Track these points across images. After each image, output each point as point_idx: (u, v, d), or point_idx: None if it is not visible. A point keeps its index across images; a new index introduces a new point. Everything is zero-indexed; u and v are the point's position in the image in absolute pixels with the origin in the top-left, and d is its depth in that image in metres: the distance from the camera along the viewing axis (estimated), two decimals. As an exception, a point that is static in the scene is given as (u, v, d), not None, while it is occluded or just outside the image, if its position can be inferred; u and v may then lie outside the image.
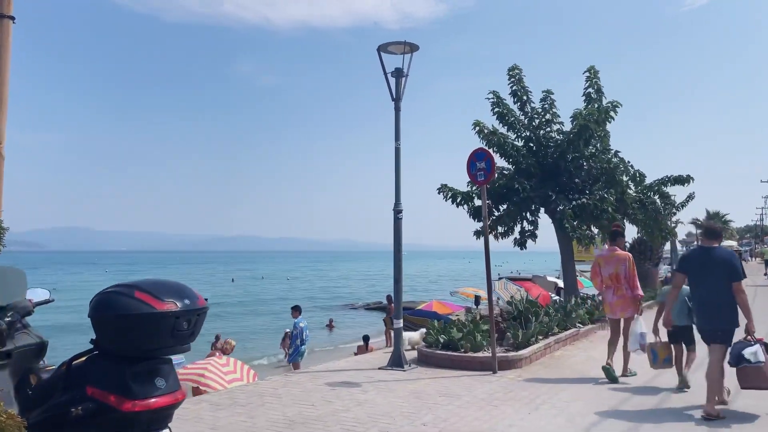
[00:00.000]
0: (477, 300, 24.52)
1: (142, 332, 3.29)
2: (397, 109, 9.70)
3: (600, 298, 10.42)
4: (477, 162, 9.09)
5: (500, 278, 22.64)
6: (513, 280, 22.38)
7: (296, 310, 14.58)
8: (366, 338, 16.90)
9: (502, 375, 8.69)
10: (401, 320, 9.50)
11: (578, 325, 12.27)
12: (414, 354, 10.15)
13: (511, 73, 15.71)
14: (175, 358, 8.50)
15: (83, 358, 3.58)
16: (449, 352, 9.46)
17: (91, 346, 3.47)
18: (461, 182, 14.78)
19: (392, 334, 20.49)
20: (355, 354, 16.44)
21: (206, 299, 3.61)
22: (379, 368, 9.29)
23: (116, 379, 3.29)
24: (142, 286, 3.37)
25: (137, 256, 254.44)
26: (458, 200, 14.66)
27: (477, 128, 15.06)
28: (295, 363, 14.28)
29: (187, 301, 3.39)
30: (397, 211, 9.57)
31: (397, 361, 9.30)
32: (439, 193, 14.87)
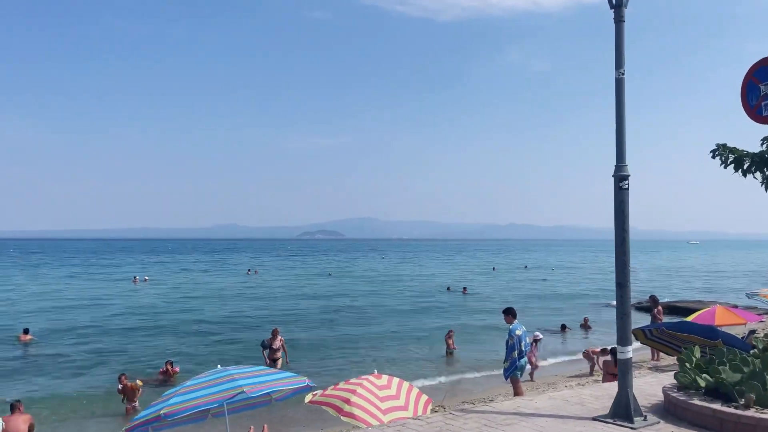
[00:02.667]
0: (788, 306, 18.19)
1: None
2: (619, 20, 6.30)
3: None
4: (760, 83, 5.21)
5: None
6: None
7: (509, 314, 11.68)
8: (614, 351, 13.14)
9: (821, 462, 4.81)
10: (629, 348, 6.12)
11: None
12: (656, 396, 6.64)
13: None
14: (297, 381, 6.64)
15: None
16: (716, 405, 5.78)
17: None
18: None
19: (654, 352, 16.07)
20: (602, 375, 12.90)
21: None
22: (595, 418, 6.11)
23: None
24: None
25: (417, 245, 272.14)
26: (745, 165, 10.02)
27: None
28: (513, 378, 11.48)
29: None
30: (620, 178, 6.20)
31: (623, 411, 6.00)
32: (714, 156, 10.39)
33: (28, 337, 21.27)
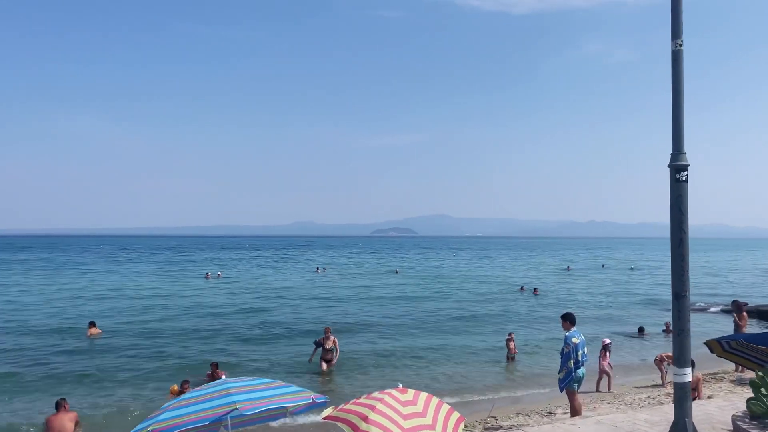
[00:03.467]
0: None
1: None
2: (676, -20, 5.33)
3: None
4: None
5: None
6: None
7: (566, 320, 10.66)
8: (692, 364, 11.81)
9: None
10: (687, 370, 5.15)
11: None
12: (725, 424, 5.60)
13: None
14: (301, 397, 6.04)
15: None
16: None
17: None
18: None
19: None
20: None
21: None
22: (645, 451, 5.18)
23: None
24: None
25: (492, 242, 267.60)
26: None
27: None
28: (569, 391, 10.49)
29: None
30: (678, 168, 5.24)
31: (679, 444, 5.04)
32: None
33: (96, 330, 21.93)
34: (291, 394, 5.78)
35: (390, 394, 6.60)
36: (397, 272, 60.18)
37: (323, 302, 34.57)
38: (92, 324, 22.25)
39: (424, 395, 6.85)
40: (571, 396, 10.58)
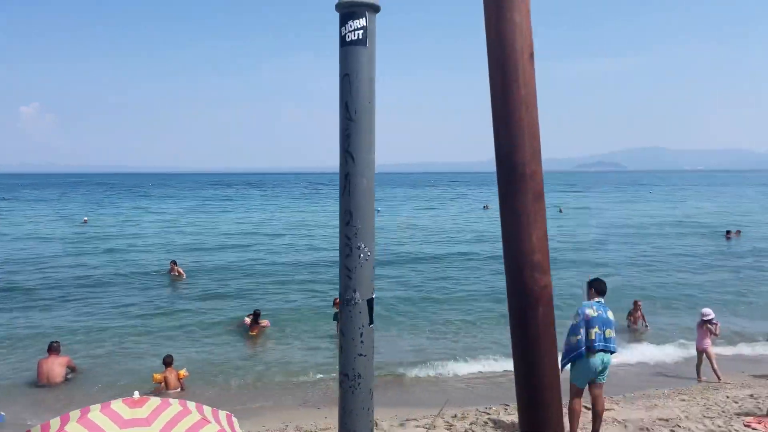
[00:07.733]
0: None
1: None
2: None
3: None
4: None
5: None
6: None
7: (592, 287, 7.39)
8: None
9: None
10: None
11: None
12: None
13: None
14: None
15: None
16: None
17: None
18: None
19: None
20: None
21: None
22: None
23: None
24: None
25: (715, 177, 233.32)
26: None
27: None
28: (572, 385, 7.39)
29: None
30: (346, 10, 2.33)
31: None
32: None
33: (179, 270, 20.98)
34: None
35: (108, 408, 4.59)
36: (561, 211, 52.34)
37: (453, 241, 32.13)
38: (174, 263, 21.36)
39: (174, 407, 4.67)
40: (573, 394, 7.37)
